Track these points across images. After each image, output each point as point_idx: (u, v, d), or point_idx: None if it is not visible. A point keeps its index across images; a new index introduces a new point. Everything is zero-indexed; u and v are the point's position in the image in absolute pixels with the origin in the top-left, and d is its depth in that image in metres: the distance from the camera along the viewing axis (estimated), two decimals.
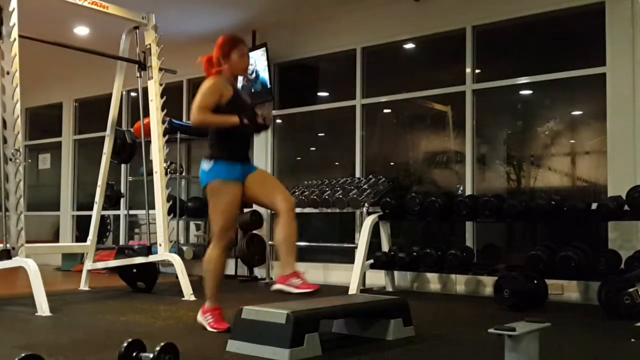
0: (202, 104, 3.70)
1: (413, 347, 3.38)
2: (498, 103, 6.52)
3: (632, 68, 5.38)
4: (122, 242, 8.71)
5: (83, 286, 6.28)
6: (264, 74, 7.46)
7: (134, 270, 6.12)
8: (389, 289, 6.18)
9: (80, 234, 9.47)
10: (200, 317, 3.89)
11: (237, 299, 4.78)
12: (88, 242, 6.29)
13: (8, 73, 4.89)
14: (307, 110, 7.70)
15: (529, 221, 5.62)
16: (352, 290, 5.54)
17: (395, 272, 6.23)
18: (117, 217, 9.18)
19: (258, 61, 7.42)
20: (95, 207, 6.33)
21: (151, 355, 2.61)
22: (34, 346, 3.41)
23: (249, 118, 3.75)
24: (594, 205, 5.10)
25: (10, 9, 4.91)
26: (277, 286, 3.65)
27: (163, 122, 6.02)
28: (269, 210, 7.16)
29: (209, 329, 3.79)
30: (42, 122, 10.80)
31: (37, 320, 4.43)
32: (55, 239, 10.01)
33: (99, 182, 6.28)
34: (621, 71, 5.43)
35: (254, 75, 7.54)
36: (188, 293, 5.45)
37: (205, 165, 3.78)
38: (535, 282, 4.91)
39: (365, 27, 7.03)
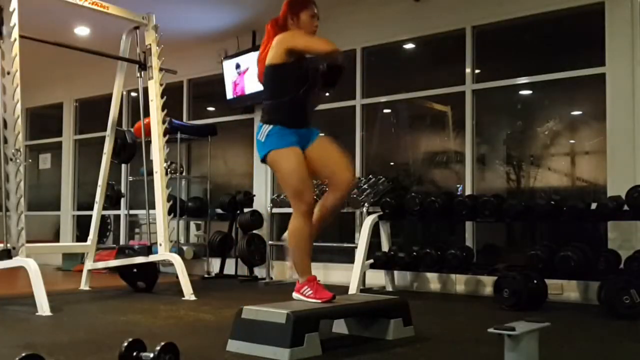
0: (315, 38, 3.49)
1: (413, 347, 3.38)
2: (498, 103, 6.52)
3: (632, 68, 5.38)
4: (122, 241, 8.72)
5: (83, 286, 6.29)
6: None
7: (135, 270, 6.13)
8: (389, 288, 6.19)
9: (81, 234, 9.48)
10: (296, 295, 3.51)
11: (237, 299, 4.78)
12: (88, 242, 6.29)
13: (9, 73, 4.89)
14: None
15: (529, 221, 5.63)
16: (352, 290, 5.54)
17: (395, 272, 6.24)
18: (117, 217, 9.18)
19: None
20: (96, 207, 6.33)
21: (151, 355, 2.61)
22: (34, 346, 3.41)
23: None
24: (594, 205, 5.10)
25: (11, 9, 4.92)
26: (293, 294, 3.53)
27: (163, 122, 6.02)
28: (269, 210, 7.17)
29: (315, 301, 3.39)
30: (42, 122, 10.81)
31: (38, 320, 4.43)
32: (56, 238, 10.01)
33: (100, 182, 6.28)
34: (621, 71, 5.44)
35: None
36: (188, 293, 5.46)
37: (260, 134, 3.47)
38: (535, 282, 4.92)
39: (365, 27, 7.03)
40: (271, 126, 3.44)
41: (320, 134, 3.63)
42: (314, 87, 3.53)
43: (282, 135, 3.42)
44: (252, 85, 7.26)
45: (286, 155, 3.42)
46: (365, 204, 6.18)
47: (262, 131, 3.46)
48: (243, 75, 7.59)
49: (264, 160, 3.53)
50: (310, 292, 3.43)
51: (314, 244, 3.65)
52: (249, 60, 7.37)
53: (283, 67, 3.46)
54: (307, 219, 3.43)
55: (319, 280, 3.49)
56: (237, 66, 7.62)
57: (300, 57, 3.50)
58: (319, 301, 3.36)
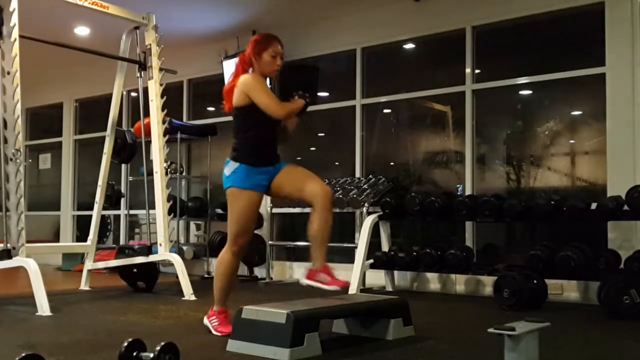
0: (273, 98, 3.56)
1: (413, 347, 3.38)
2: (498, 103, 6.52)
3: (632, 68, 5.38)
4: (122, 241, 8.71)
5: (83, 286, 6.29)
6: None
7: (135, 270, 6.13)
8: (389, 288, 6.19)
9: (81, 234, 9.48)
10: (205, 320, 3.81)
11: (237, 299, 4.77)
12: (88, 242, 6.29)
13: (9, 73, 4.89)
14: (306, 110, 7.69)
15: (529, 221, 5.63)
16: (352, 290, 5.54)
17: (395, 272, 6.24)
18: (117, 217, 9.18)
19: None
20: (96, 207, 6.33)
21: (151, 355, 2.61)
22: (34, 346, 3.41)
23: (304, 98, 3.65)
24: (594, 205, 5.10)
25: (11, 9, 4.92)
26: (305, 281, 3.58)
27: (163, 122, 6.02)
28: (268, 210, 7.17)
29: (213, 332, 3.71)
30: (42, 122, 10.81)
31: (38, 320, 4.43)
32: (56, 238, 10.01)
33: (100, 182, 6.28)
34: (621, 71, 5.44)
35: None
36: (188, 293, 5.46)
37: (227, 169, 3.63)
38: (535, 282, 4.92)
39: (365, 27, 7.03)
40: (238, 164, 3.58)
41: (287, 164, 3.75)
42: (281, 124, 3.69)
43: (246, 175, 3.57)
44: None
45: (241, 197, 3.59)
46: (365, 204, 6.18)
47: (228, 166, 3.62)
48: None
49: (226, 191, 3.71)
50: (216, 324, 3.72)
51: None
52: None
53: (247, 109, 3.58)
54: (236, 257, 3.68)
55: (227, 315, 3.71)
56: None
57: None
58: (219, 334, 3.63)
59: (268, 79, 3.84)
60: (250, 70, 3.72)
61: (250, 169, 3.57)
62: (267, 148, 3.67)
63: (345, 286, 3.47)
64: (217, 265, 3.76)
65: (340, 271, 6.76)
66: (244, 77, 3.62)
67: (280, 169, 3.69)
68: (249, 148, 3.61)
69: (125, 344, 2.65)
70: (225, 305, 3.76)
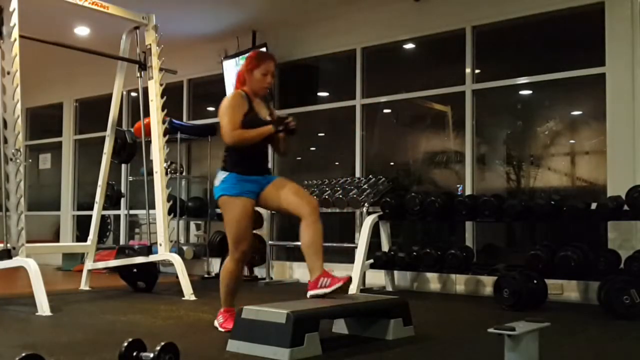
0: (231, 123, 3.66)
1: (413, 347, 3.38)
2: (498, 103, 6.52)
3: (632, 68, 5.38)
4: (122, 241, 8.72)
5: (83, 286, 6.29)
6: None
7: (134, 270, 6.13)
8: (389, 288, 6.19)
9: (81, 234, 9.48)
10: (215, 321, 3.99)
11: (237, 299, 4.77)
12: (88, 242, 6.29)
13: (9, 73, 4.89)
14: (307, 110, 7.70)
15: (529, 221, 5.62)
16: (352, 290, 5.53)
17: (395, 272, 6.24)
18: (117, 217, 9.18)
19: None
20: (96, 207, 6.33)
21: (152, 355, 2.61)
22: (34, 346, 3.41)
23: (278, 126, 3.73)
24: (594, 205, 5.10)
25: (11, 9, 4.92)
26: (310, 292, 3.61)
27: (163, 122, 6.02)
28: (268, 210, 7.17)
29: (220, 329, 3.86)
30: (42, 122, 10.81)
31: (38, 320, 4.43)
32: (56, 238, 10.01)
33: (100, 182, 6.28)
34: (621, 71, 5.44)
35: None
36: (188, 293, 5.46)
37: (217, 180, 3.78)
38: (535, 282, 4.92)
39: (365, 27, 7.03)
40: (227, 174, 3.73)
41: (277, 177, 3.89)
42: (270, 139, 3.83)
43: (235, 183, 3.70)
44: None
45: (233, 203, 3.70)
46: (365, 204, 6.18)
47: (218, 177, 3.78)
48: None
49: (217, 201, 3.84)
50: (221, 321, 3.91)
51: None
52: None
53: None
54: (239, 263, 3.81)
55: (232, 313, 3.77)
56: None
57: (248, 112, 3.74)
58: (223, 330, 3.82)
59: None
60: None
61: (238, 177, 3.70)
62: (256, 159, 3.82)
63: (348, 280, 3.52)
64: (222, 273, 3.90)
65: (341, 271, 6.76)
66: (225, 99, 3.79)
67: (270, 182, 3.80)
68: (237, 158, 3.75)
69: (125, 344, 2.65)
70: (231, 305, 3.90)
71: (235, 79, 3.96)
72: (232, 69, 7.68)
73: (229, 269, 3.83)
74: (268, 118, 3.85)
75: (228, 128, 3.65)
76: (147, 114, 6.10)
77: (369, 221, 5.88)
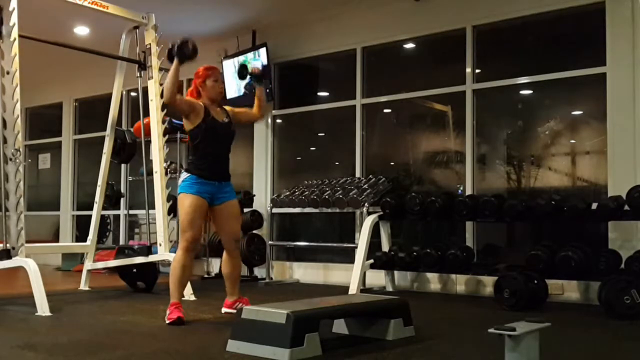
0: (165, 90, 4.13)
1: (413, 347, 3.38)
2: (498, 103, 6.52)
3: (632, 68, 5.37)
4: (122, 242, 8.71)
5: (83, 286, 6.28)
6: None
7: (134, 270, 6.12)
8: (389, 289, 6.18)
9: (80, 234, 9.47)
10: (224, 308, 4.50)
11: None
12: (88, 242, 6.29)
13: (8, 73, 4.89)
14: (307, 110, 7.70)
15: (529, 221, 5.62)
16: (352, 290, 5.54)
17: (395, 272, 6.23)
18: (117, 217, 9.18)
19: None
20: (95, 207, 6.33)
21: None
22: (34, 346, 3.41)
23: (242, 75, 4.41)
24: (594, 205, 5.09)
25: (10, 8, 4.91)
26: (225, 309, 4.49)
27: (163, 122, 6.01)
28: (269, 210, 7.18)
29: (167, 321, 4.10)
30: (42, 122, 10.80)
31: (37, 320, 4.42)
32: (55, 238, 10.00)
33: (99, 182, 6.28)
34: (621, 71, 5.43)
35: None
36: (188, 293, 5.44)
37: (180, 180, 4.29)
38: (535, 282, 4.91)
39: (365, 27, 7.03)
40: (188, 175, 4.26)
41: (232, 200, 4.41)
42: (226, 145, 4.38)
43: (192, 184, 4.22)
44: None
45: (187, 199, 4.21)
46: (366, 204, 6.17)
47: (181, 177, 4.30)
48: None
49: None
50: (168, 313, 4.13)
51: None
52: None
53: (190, 132, 4.29)
54: (186, 252, 4.21)
55: (179, 306, 4.16)
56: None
57: (204, 121, 4.23)
58: (168, 321, 4.06)
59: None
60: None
61: (196, 179, 4.22)
62: (215, 164, 4.31)
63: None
64: (172, 264, 4.28)
65: (340, 271, 6.82)
66: None
67: (226, 198, 4.34)
68: (198, 163, 4.26)
69: None
70: (179, 298, 4.20)
71: (190, 94, 4.39)
72: (232, 68, 7.68)
73: (177, 259, 4.21)
74: (226, 120, 4.35)
75: (167, 93, 4.08)
76: (146, 113, 6.09)
77: (369, 221, 5.87)
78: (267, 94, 7.50)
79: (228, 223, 4.40)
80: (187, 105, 4.25)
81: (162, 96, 5.90)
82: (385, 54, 7.11)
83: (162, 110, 5.95)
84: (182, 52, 4.10)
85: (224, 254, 4.47)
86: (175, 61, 4.07)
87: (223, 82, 4.40)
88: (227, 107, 4.54)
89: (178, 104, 4.17)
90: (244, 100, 6.97)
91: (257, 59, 7.21)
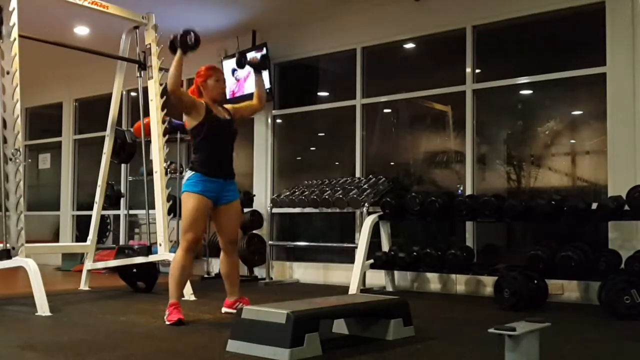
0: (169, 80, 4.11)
1: (413, 347, 3.38)
2: (498, 103, 6.52)
3: (632, 68, 5.37)
4: (122, 242, 8.70)
5: (83, 286, 6.28)
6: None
7: (134, 270, 6.12)
8: (389, 289, 6.18)
9: (80, 234, 9.47)
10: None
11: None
12: (88, 242, 6.29)
13: (8, 73, 4.89)
14: (307, 110, 7.70)
15: (529, 221, 5.62)
16: (352, 290, 5.54)
17: (395, 272, 6.23)
18: (117, 217, 9.18)
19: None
20: (95, 207, 6.33)
21: None
22: (33, 346, 3.41)
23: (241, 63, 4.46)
24: (594, 205, 5.09)
25: (10, 8, 4.91)
26: (225, 309, 4.49)
27: (163, 122, 6.01)
28: (269, 210, 7.18)
29: (167, 322, 4.09)
30: (42, 122, 10.80)
31: (37, 320, 4.42)
32: (55, 238, 10.00)
33: (99, 182, 6.28)
34: (621, 71, 5.43)
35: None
36: (188, 293, 5.44)
37: (184, 178, 4.26)
38: (536, 282, 4.91)
39: (365, 27, 7.03)
40: (192, 173, 4.21)
41: (236, 200, 4.41)
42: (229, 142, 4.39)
43: (197, 182, 4.18)
44: (251, 85, 7.22)
45: (191, 199, 4.17)
46: (366, 204, 6.17)
47: (186, 176, 4.27)
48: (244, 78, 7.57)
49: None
50: (167, 314, 4.13)
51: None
52: None
53: (196, 130, 4.24)
54: (187, 252, 4.19)
55: (178, 307, 4.14)
56: (234, 71, 7.58)
57: (206, 118, 4.21)
58: (168, 323, 4.06)
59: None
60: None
61: (201, 177, 4.17)
62: (219, 162, 4.28)
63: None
64: (171, 264, 4.25)
65: (340, 271, 6.81)
66: None
67: (229, 198, 4.32)
68: (202, 160, 4.22)
69: None
70: (178, 298, 4.19)
71: (191, 93, 4.36)
72: (231, 68, 7.67)
73: (177, 259, 4.19)
74: (228, 117, 4.34)
75: (169, 83, 4.07)
76: (146, 113, 6.09)
77: (369, 221, 5.87)
78: (267, 94, 7.52)
79: (230, 224, 4.40)
80: (189, 98, 4.23)
81: (163, 95, 5.97)
82: (385, 54, 7.11)
83: (162, 110, 5.96)
84: (185, 42, 4.09)
85: (222, 255, 4.48)
86: (179, 52, 4.07)
87: (224, 82, 4.44)
88: (228, 106, 4.54)
89: (182, 93, 4.16)
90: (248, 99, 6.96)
91: None
